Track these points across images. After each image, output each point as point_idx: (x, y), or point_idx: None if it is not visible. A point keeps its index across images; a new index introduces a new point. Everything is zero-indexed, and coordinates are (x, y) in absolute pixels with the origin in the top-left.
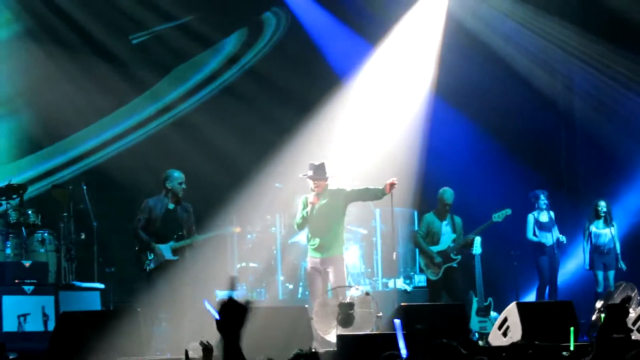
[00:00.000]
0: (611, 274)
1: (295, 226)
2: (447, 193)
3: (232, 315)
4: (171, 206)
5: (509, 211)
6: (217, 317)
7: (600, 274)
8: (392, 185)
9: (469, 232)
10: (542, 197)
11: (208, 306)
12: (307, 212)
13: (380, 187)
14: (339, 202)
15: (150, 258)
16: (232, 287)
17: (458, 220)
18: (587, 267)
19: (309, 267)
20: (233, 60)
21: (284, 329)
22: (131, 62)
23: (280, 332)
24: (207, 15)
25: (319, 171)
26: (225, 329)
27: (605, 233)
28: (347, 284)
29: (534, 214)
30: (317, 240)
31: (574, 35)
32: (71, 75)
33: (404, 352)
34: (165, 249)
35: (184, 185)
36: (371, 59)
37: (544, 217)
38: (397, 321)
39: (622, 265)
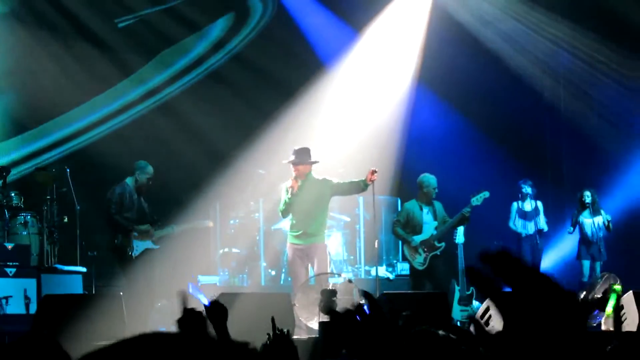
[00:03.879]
0: (598, 264)
1: (280, 213)
2: (432, 178)
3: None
4: (136, 197)
5: (487, 194)
6: (206, 302)
7: (586, 264)
8: (372, 173)
9: (452, 217)
10: (524, 186)
11: (193, 290)
12: (289, 198)
13: (363, 179)
14: (325, 192)
15: (135, 243)
16: (185, 303)
17: (439, 205)
18: (576, 258)
19: (290, 254)
20: (219, 46)
21: (266, 315)
22: (117, 45)
23: (262, 319)
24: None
25: (300, 156)
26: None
27: (591, 223)
28: (329, 272)
29: (518, 203)
30: (300, 228)
31: (561, 26)
32: (56, 58)
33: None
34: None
35: (151, 181)
36: (356, 46)
37: (527, 206)
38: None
39: (604, 255)
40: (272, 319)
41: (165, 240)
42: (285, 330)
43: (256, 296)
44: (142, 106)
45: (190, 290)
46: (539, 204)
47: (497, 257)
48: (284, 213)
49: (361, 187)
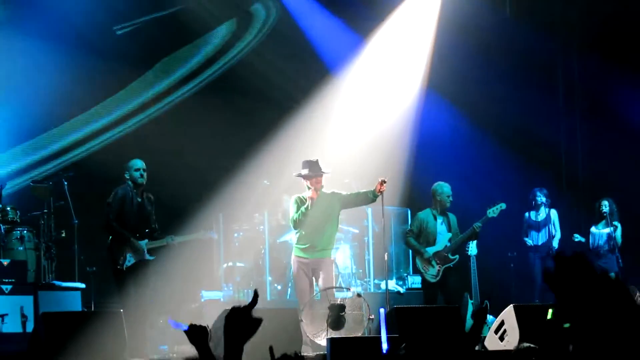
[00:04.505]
0: (611, 276)
1: (292, 223)
2: (446, 186)
3: (239, 326)
4: (139, 199)
5: (503, 205)
6: (185, 328)
7: None
8: (382, 184)
9: (464, 231)
10: (537, 194)
11: (174, 325)
12: (306, 208)
13: (372, 189)
14: (334, 206)
15: (128, 255)
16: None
17: (453, 217)
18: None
19: (295, 268)
20: (221, 53)
21: (273, 332)
22: (115, 54)
23: (268, 335)
24: (195, 6)
25: (316, 168)
26: (231, 339)
27: (602, 234)
28: (337, 285)
29: (529, 213)
30: (308, 241)
31: (574, 22)
32: (53, 67)
33: (385, 345)
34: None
35: (142, 172)
36: (362, 52)
37: (539, 215)
38: (381, 310)
39: (616, 267)
40: (270, 349)
41: (162, 252)
42: (292, 353)
43: (262, 312)
44: (141, 116)
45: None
46: (552, 213)
47: (571, 260)
48: (298, 224)
49: (370, 198)
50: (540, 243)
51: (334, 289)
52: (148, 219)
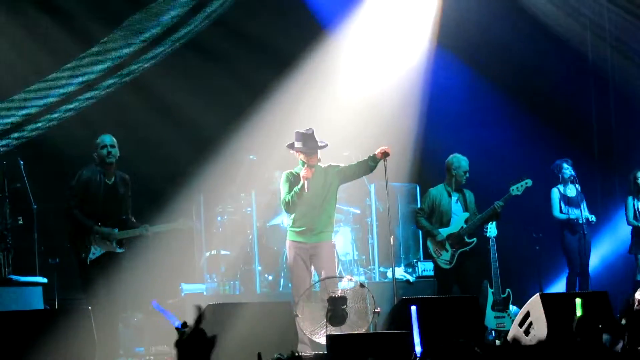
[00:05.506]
0: None
1: (284, 206)
2: (463, 160)
3: (196, 349)
4: (109, 181)
5: (529, 182)
6: (176, 322)
7: None
8: (384, 153)
9: (483, 211)
10: (565, 166)
11: (157, 308)
12: (300, 188)
13: (371, 155)
14: (332, 181)
15: (92, 246)
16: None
17: (470, 195)
18: (629, 251)
19: (291, 254)
20: (198, 7)
21: (264, 329)
22: (75, 11)
23: (259, 333)
24: None
25: (311, 142)
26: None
27: None
28: (337, 274)
29: (559, 188)
30: (305, 223)
31: None
32: (5, 30)
33: (418, 348)
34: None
35: (109, 149)
36: (361, 6)
37: (570, 190)
38: (413, 308)
39: None
40: (259, 356)
41: (135, 242)
42: (289, 352)
43: (251, 306)
44: (107, 83)
45: (155, 308)
46: (579, 187)
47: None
48: (292, 207)
49: (369, 165)
50: (582, 221)
51: (335, 279)
52: (120, 204)
